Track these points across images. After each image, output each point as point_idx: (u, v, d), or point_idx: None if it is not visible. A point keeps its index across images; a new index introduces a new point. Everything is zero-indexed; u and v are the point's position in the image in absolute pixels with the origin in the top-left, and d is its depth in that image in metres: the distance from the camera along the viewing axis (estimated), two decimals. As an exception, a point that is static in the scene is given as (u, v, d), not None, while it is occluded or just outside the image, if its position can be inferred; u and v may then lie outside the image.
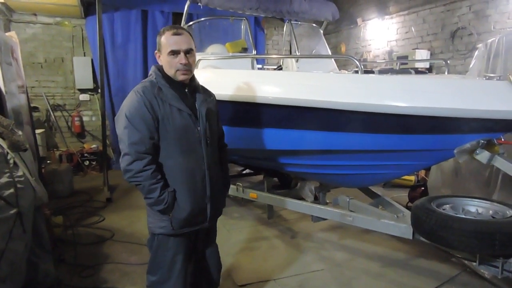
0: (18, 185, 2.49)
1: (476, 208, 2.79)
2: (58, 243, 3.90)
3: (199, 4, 4.24)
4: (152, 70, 2.24)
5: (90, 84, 7.86)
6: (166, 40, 2.13)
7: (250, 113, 3.35)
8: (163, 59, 2.17)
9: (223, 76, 3.83)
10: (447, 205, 2.80)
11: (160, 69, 2.21)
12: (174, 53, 2.12)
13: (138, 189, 2.14)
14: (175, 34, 2.13)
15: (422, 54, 6.68)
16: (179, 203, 2.15)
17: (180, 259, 2.26)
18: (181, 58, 2.12)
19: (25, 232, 2.52)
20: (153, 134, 2.08)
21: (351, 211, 3.55)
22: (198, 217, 2.26)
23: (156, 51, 2.21)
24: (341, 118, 2.82)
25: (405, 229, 2.99)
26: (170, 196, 2.11)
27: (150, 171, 2.05)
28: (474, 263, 2.69)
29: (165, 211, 2.13)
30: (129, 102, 2.10)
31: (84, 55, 7.85)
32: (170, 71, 2.16)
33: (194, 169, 2.19)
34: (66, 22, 7.56)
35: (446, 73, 3.85)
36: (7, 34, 3.91)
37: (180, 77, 2.17)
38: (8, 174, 2.43)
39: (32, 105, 5.81)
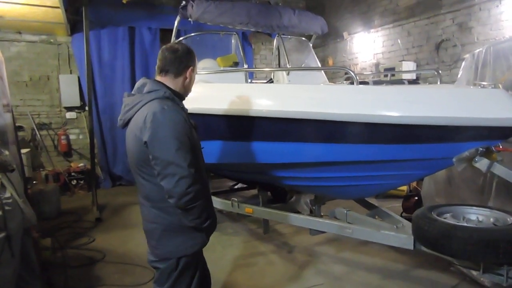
0: (6, 207, 2.40)
1: (476, 216, 2.77)
2: (47, 266, 3.75)
3: (189, 19, 4.22)
4: (156, 85, 2.02)
5: (76, 102, 7.74)
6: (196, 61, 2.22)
7: (246, 127, 3.31)
8: (193, 77, 2.20)
9: (216, 90, 3.80)
10: (448, 214, 2.78)
11: (166, 85, 2.09)
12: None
13: (189, 212, 1.95)
14: None
15: (409, 65, 6.80)
16: None
17: (198, 274, 2.19)
18: None
19: (14, 257, 2.42)
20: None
21: (349, 223, 3.50)
22: None
23: (192, 67, 2.15)
24: (339, 129, 2.81)
25: (406, 239, 2.96)
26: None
27: (203, 190, 2.01)
28: (476, 272, 2.67)
29: (213, 223, 2.12)
30: (170, 120, 1.90)
31: (71, 73, 7.75)
32: (191, 88, 2.23)
33: (206, 179, 2.25)
34: (52, 40, 7.46)
35: (438, 83, 3.90)
36: (-9, 52, 3.82)
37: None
38: (-5, 196, 2.33)
39: (16, 124, 5.66)
